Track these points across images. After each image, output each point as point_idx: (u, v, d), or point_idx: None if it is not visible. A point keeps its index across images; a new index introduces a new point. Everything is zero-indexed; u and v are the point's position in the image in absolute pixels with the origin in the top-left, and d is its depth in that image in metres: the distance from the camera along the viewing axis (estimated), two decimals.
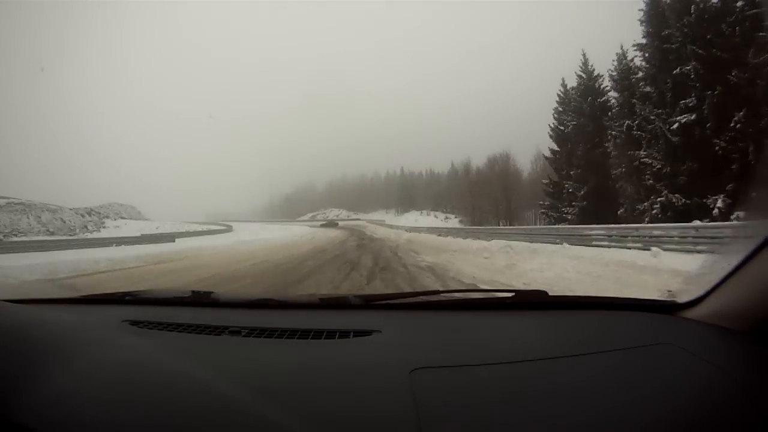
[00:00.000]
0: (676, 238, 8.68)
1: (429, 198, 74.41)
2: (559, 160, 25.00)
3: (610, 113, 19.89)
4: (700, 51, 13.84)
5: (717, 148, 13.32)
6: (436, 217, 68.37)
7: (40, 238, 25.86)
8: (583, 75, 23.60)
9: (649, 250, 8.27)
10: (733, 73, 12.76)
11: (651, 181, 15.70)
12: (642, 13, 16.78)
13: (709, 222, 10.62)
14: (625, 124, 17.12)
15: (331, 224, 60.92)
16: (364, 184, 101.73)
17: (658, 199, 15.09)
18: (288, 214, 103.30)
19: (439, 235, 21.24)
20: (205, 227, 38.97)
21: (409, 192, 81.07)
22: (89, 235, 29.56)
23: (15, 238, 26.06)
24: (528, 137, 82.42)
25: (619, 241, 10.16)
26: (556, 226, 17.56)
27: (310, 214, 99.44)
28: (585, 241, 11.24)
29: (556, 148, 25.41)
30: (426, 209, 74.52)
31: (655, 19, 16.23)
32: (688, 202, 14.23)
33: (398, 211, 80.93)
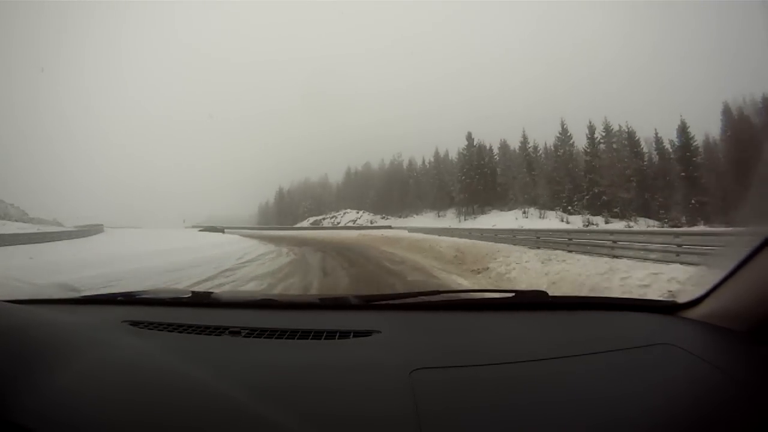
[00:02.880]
0: None
1: (537, 187, 39.45)
2: None
3: None
4: None
5: None
6: (563, 221, 33.16)
7: None
8: None
9: None
10: None
11: None
12: None
13: None
14: None
15: (214, 229, 38.58)
16: (398, 174, 61.14)
17: None
18: (287, 217, 70.70)
19: None
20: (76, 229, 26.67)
21: (484, 176, 45.56)
22: None
23: None
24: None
25: None
26: None
27: (312, 219, 66.62)
28: None
29: None
30: (528, 207, 39.13)
31: None
32: None
33: (463, 213, 46.01)
